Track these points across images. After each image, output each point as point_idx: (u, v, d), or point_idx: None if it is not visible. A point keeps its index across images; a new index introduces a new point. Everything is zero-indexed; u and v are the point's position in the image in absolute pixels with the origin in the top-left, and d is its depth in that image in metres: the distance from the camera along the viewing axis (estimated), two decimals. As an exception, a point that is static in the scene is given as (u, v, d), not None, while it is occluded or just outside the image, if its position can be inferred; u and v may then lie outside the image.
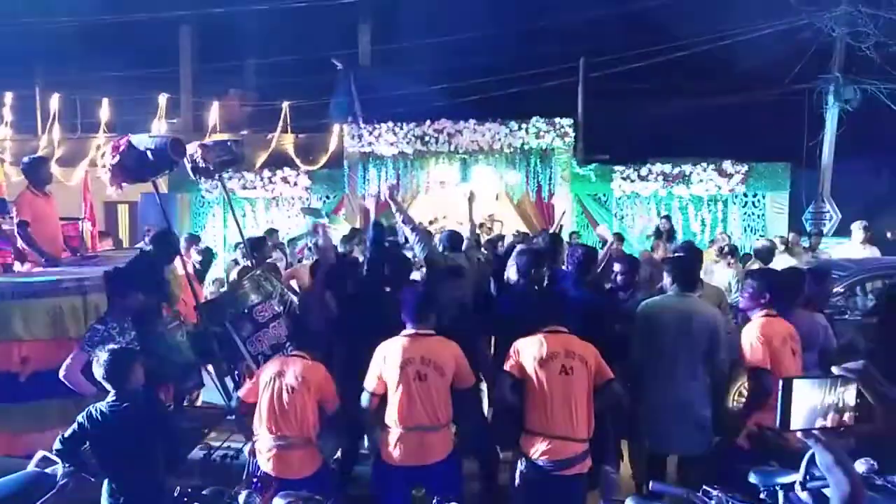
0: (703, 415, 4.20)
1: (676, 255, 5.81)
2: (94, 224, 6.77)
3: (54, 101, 14.02)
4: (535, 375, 3.78)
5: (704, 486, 3.61)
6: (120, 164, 4.53)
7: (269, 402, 3.91)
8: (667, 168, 12.67)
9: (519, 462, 3.88)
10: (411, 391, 3.80)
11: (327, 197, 13.99)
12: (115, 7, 14.91)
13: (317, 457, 4.01)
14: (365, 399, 3.94)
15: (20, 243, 6.02)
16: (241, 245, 8.66)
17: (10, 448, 4.50)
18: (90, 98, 14.53)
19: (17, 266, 6.09)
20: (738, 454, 3.96)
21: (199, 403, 6.15)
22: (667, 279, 4.54)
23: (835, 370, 1.72)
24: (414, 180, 13.50)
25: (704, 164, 12.59)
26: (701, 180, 12.59)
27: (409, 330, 3.95)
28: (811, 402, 1.64)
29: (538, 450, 3.77)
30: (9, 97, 14.25)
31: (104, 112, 14.00)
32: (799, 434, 1.68)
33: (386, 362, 3.87)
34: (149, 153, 4.50)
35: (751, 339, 3.99)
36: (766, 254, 7.68)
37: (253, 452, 4.04)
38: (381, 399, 3.92)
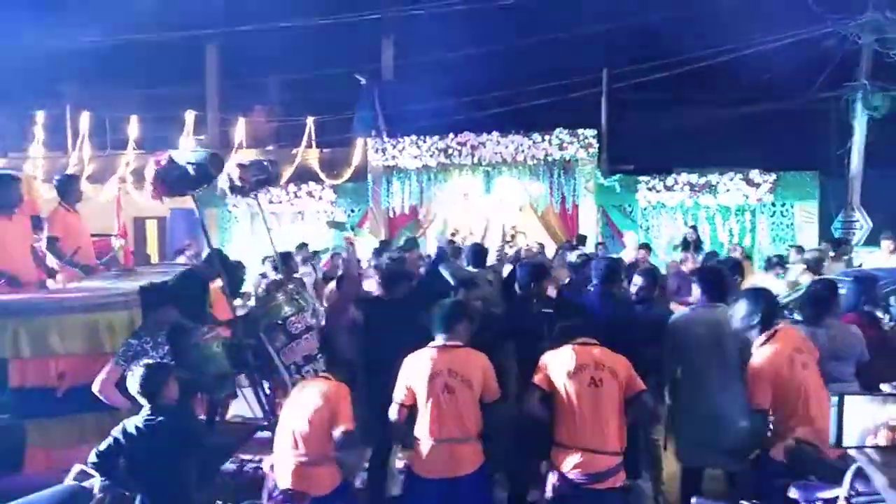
0: (739, 427, 4.13)
1: (708, 266, 5.75)
2: (127, 240, 6.87)
3: (84, 120, 14.29)
4: (564, 388, 3.76)
5: (742, 501, 3.56)
6: (161, 179, 4.60)
7: (290, 420, 3.93)
8: (693, 178, 12.60)
9: (550, 475, 3.85)
10: (440, 403, 3.80)
11: (352, 210, 14.08)
12: (142, 26, 15.17)
13: (336, 474, 3.99)
14: (393, 410, 3.94)
15: (50, 259, 6.12)
16: (269, 259, 8.73)
17: (47, 462, 4.56)
18: (119, 116, 14.79)
19: (49, 283, 6.18)
20: (775, 468, 3.88)
21: (229, 417, 6.19)
22: (696, 291, 4.49)
23: (884, 388, 1.69)
24: (437, 193, 13.54)
25: (732, 174, 12.49)
26: (728, 190, 12.49)
27: (438, 342, 3.96)
28: (863, 419, 1.61)
29: (570, 463, 3.73)
30: (40, 116, 14.56)
31: (132, 129, 14.25)
32: (852, 452, 1.65)
33: (414, 374, 3.89)
34: (190, 168, 4.56)
35: (756, 374, 3.88)
36: (816, 264, 7.55)
37: (273, 467, 4.05)
38: (409, 411, 3.92)
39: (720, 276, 4.58)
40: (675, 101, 14.98)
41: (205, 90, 17.04)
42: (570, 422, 3.75)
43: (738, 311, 4.07)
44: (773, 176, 12.47)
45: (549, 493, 3.86)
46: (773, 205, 12.60)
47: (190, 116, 14.63)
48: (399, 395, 3.93)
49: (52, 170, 13.84)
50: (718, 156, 13.08)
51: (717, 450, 4.19)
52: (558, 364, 3.83)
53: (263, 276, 8.91)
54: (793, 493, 3.30)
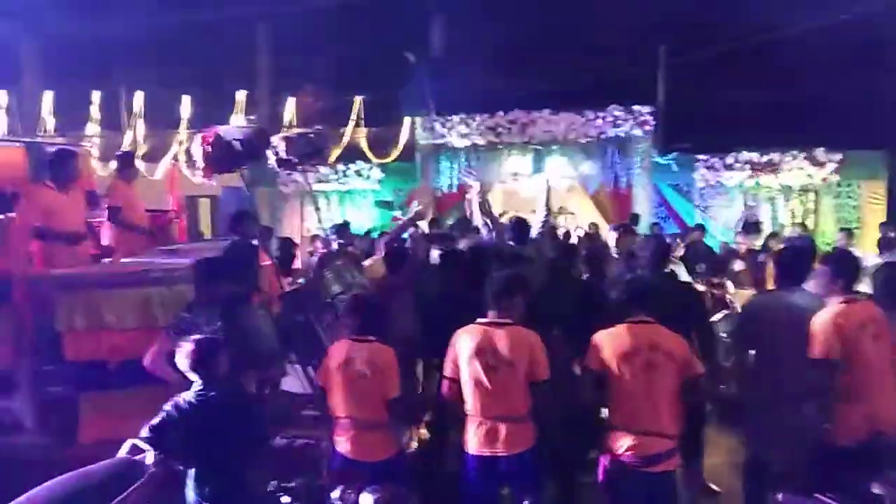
0: (816, 416, 3.91)
1: (786, 247, 5.46)
2: (181, 216, 7.00)
3: (138, 99, 14.51)
4: (618, 370, 3.62)
5: (817, 495, 3.36)
6: (209, 156, 4.58)
7: (342, 387, 3.93)
8: (754, 156, 12.09)
9: (602, 458, 3.76)
10: (483, 382, 3.73)
11: (399, 189, 13.98)
12: (194, 6, 15.30)
13: (393, 440, 4.02)
14: (444, 386, 3.93)
15: (106, 236, 6.21)
16: (318, 237, 8.72)
17: (101, 434, 4.61)
18: (172, 95, 14.96)
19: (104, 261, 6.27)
20: (846, 458, 3.70)
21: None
22: (774, 273, 4.26)
23: None
24: (487, 172, 13.32)
25: (795, 153, 11.94)
26: (791, 169, 11.95)
27: (486, 318, 3.86)
28: None
29: (623, 445, 3.63)
30: (96, 96, 14.83)
31: (185, 108, 14.40)
32: None
33: (459, 350, 3.83)
34: (237, 144, 4.54)
35: (820, 327, 3.73)
36: None
37: (332, 437, 4.07)
38: (458, 386, 3.87)
39: (799, 258, 4.34)
40: (736, 76, 14.35)
41: (255, 69, 17.11)
42: (625, 404, 3.64)
43: (820, 274, 3.96)
44: (839, 155, 11.88)
45: (600, 475, 3.77)
46: (839, 185, 12.02)
47: (241, 95, 14.70)
48: (447, 370, 3.90)
49: (108, 148, 14.10)
50: (781, 133, 12.46)
51: (792, 440, 3.97)
52: (611, 344, 3.68)
53: (311, 254, 8.91)
54: (876, 489, 3.09)
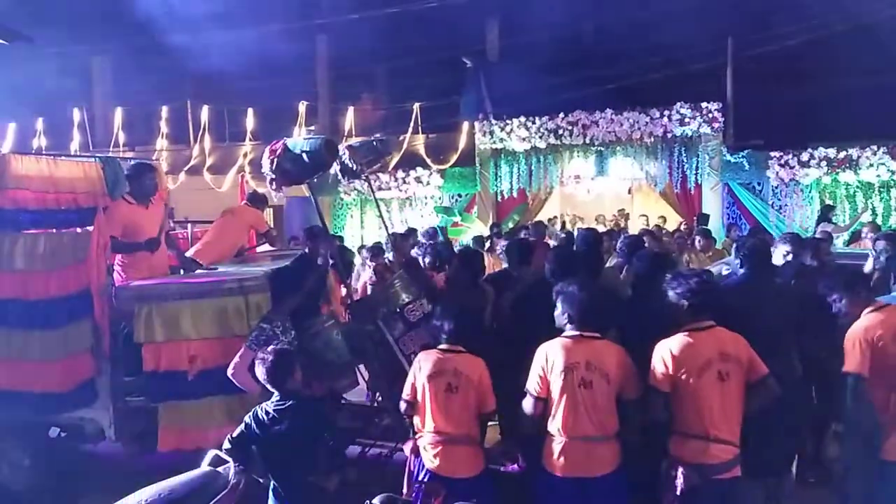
0: None
1: None
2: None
3: (204, 113, 14.89)
4: (690, 385, 3.43)
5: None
6: (278, 168, 4.59)
7: (431, 400, 3.83)
8: (831, 152, 11.48)
9: (678, 469, 3.49)
10: (576, 398, 3.54)
11: (459, 195, 13.92)
12: (255, 20, 15.57)
13: (481, 456, 3.91)
14: (528, 403, 3.70)
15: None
16: (365, 247, 8.68)
17: (179, 443, 4.69)
18: (236, 108, 15.30)
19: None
20: None
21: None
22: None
23: None
24: (547, 176, 13.12)
25: (874, 147, 11.31)
26: (871, 165, 11.30)
27: (573, 332, 3.66)
28: None
29: (698, 453, 3.44)
30: (164, 111, 15.30)
31: (249, 121, 14.72)
32: None
33: (549, 365, 3.63)
34: (304, 155, 4.54)
35: (851, 340, 3.62)
36: None
37: (415, 451, 3.97)
38: (544, 404, 3.67)
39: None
40: (809, 69, 13.72)
41: (315, 81, 17.36)
42: (697, 412, 3.44)
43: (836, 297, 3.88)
44: (922, 148, 11.22)
45: (679, 487, 3.48)
46: (922, 180, 11.36)
47: (302, 107, 14.94)
48: (533, 386, 3.68)
49: (176, 162, 14.52)
50: (860, 127, 11.80)
51: None
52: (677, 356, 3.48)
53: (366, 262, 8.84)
54: None
